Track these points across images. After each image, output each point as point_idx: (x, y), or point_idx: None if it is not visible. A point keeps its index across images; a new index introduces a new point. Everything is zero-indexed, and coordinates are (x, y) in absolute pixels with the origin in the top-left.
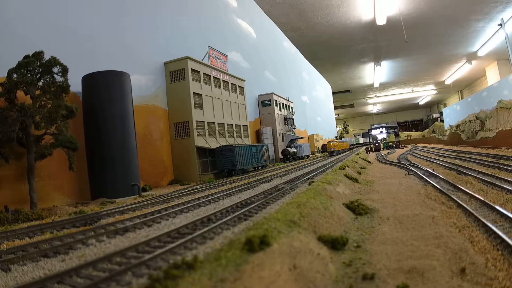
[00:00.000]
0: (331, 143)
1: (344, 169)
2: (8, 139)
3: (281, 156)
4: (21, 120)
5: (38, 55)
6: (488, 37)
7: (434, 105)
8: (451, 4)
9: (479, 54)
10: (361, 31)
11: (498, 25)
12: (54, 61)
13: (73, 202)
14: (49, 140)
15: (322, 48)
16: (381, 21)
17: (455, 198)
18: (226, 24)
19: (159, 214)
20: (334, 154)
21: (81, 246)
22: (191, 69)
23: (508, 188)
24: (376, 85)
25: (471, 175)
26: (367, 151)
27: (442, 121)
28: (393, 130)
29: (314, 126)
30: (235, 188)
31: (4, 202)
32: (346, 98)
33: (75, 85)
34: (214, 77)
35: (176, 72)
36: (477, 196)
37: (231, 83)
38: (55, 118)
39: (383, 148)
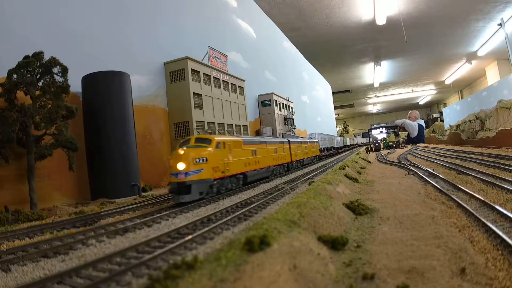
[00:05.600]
0: (181, 152)
1: (344, 169)
2: (8, 139)
3: None
4: (21, 121)
5: (38, 55)
6: (488, 37)
7: (434, 105)
8: (451, 4)
9: (479, 54)
10: (361, 31)
11: (498, 24)
12: (54, 61)
13: (73, 202)
14: (49, 141)
15: (322, 48)
16: (381, 21)
17: (455, 198)
18: (226, 24)
19: (159, 214)
20: (184, 197)
21: (81, 246)
22: (191, 69)
23: (508, 187)
24: (376, 85)
25: (471, 175)
26: (367, 151)
27: (442, 121)
28: (393, 130)
29: (314, 126)
30: (235, 188)
31: (4, 203)
32: (346, 98)
33: (75, 85)
34: (214, 77)
35: (176, 72)
36: (477, 196)
37: (231, 83)
38: (55, 118)
39: (383, 148)
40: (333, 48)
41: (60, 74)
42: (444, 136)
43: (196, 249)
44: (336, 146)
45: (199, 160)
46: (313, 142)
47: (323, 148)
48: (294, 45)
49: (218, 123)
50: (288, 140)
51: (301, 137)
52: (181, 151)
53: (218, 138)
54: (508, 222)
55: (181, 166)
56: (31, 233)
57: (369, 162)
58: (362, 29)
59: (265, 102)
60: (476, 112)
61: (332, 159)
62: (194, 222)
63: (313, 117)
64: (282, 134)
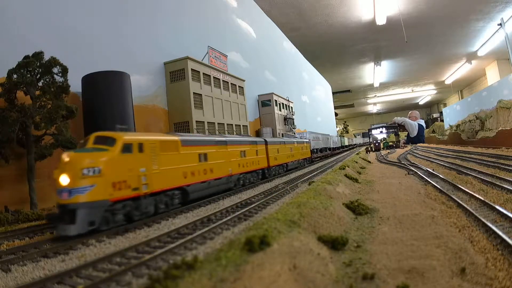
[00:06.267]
0: (66, 158)
1: (344, 169)
2: (8, 139)
3: None
4: (21, 121)
5: (38, 55)
6: (488, 37)
7: (434, 105)
8: (451, 4)
9: (479, 53)
10: (361, 31)
11: (498, 24)
12: (54, 61)
13: None
14: (49, 141)
15: (322, 48)
16: (381, 21)
17: (455, 198)
18: (226, 24)
19: (159, 214)
20: (66, 229)
21: (81, 246)
22: (191, 69)
23: (508, 187)
24: (376, 85)
25: (471, 175)
26: (367, 151)
27: (442, 121)
28: (393, 130)
29: (314, 126)
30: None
31: (4, 203)
32: (346, 98)
33: (75, 85)
34: (214, 77)
35: (176, 72)
36: (477, 196)
37: (231, 83)
38: (55, 118)
39: (383, 148)
40: (333, 48)
41: (60, 74)
42: (444, 136)
43: (196, 249)
44: (332, 146)
45: (88, 171)
46: (302, 142)
47: (316, 149)
48: (294, 45)
49: (218, 123)
50: (265, 140)
51: (289, 135)
52: (66, 157)
53: (129, 137)
54: (508, 222)
55: (64, 180)
56: (31, 233)
57: (369, 162)
58: (362, 29)
59: (265, 102)
60: (476, 112)
61: (331, 159)
62: (194, 222)
63: (313, 117)
64: (282, 134)
